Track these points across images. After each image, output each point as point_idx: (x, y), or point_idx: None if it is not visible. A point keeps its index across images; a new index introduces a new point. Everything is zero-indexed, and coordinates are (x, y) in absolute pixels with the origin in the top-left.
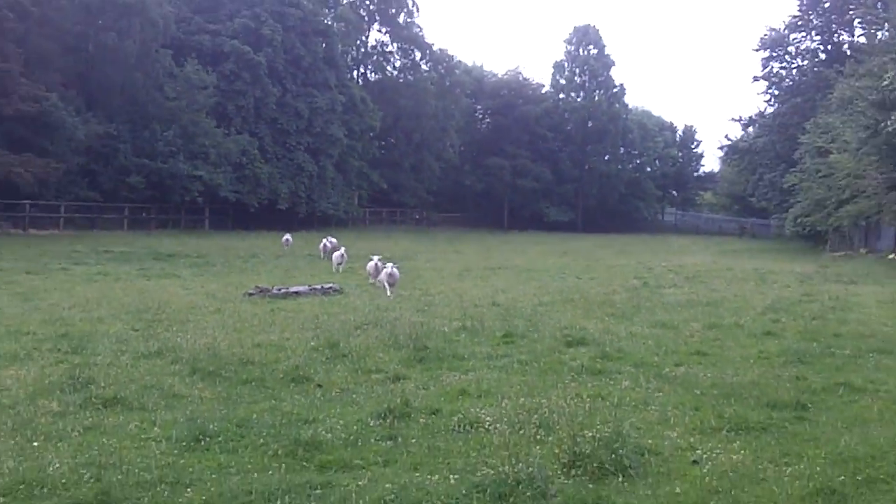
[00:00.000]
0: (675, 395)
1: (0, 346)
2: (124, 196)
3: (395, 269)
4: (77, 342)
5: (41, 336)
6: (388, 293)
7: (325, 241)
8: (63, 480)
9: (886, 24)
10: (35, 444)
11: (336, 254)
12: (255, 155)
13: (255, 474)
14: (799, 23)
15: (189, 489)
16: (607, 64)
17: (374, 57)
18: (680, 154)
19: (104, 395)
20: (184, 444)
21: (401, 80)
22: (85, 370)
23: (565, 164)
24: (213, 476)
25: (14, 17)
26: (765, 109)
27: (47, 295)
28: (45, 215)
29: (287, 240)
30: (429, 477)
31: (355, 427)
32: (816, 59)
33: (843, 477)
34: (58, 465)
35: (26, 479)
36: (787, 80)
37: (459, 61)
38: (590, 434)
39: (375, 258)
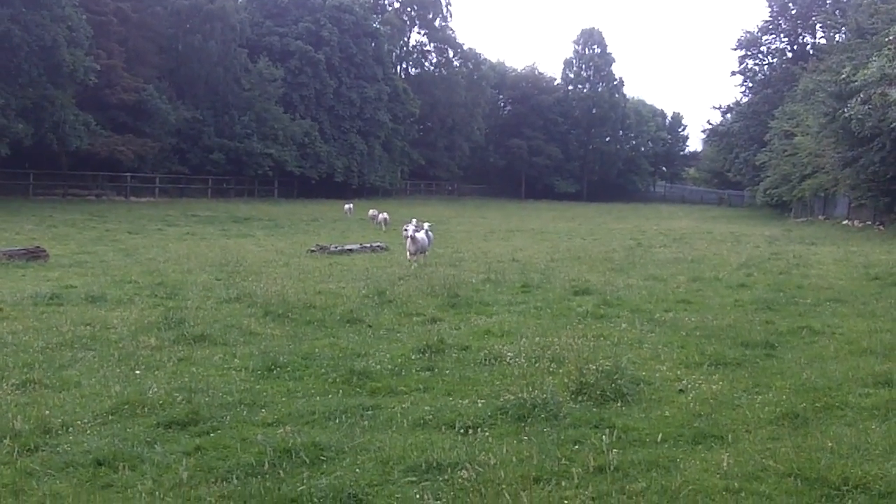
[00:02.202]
0: (664, 336)
1: (108, 292)
2: (208, 170)
3: (418, 234)
4: (171, 289)
5: (141, 284)
6: (410, 257)
7: (372, 211)
8: (160, 402)
9: (843, 28)
10: (137, 372)
11: (381, 216)
12: (315, 136)
13: (318, 398)
14: (770, 26)
15: (263, 410)
16: (609, 61)
17: (414, 55)
18: (669, 136)
19: (193, 333)
20: (259, 372)
21: (436, 75)
22: (177, 312)
23: (573, 144)
24: (283, 399)
25: (117, 21)
26: (740, 99)
27: (146, 251)
28: (143, 186)
29: (349, 208)
30: (460, 401)
31: (399, 360)
32: (784, 57)
33: (804, 404)
34: (156, 390)
35: (130, 400)
36: (760, 74)
37: (485, 58)
38: (594, 367)
39: (411, 227)
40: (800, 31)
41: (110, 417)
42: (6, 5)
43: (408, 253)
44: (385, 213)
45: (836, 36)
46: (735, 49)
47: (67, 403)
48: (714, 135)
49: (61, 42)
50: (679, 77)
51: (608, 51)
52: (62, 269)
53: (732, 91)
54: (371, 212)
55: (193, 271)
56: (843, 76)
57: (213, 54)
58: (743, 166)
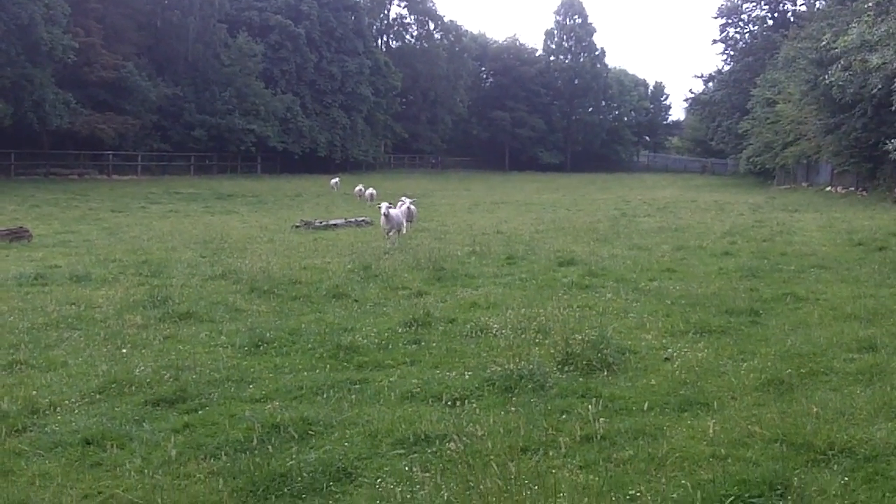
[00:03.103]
0: (649, 305)
1: (92, 271)
2: (190, 147)
3: (392, 210)
4: (155, 267)
5: (125, 263)
6: (403, 230)
7: (359, 187)
8: (147, 380)
9: None
10: (123, 350)
11: (368, 191)
12: (297, 111)
13: (305, 373)
14: None
15: (251, 385)
16: (590, 31)
17: (395, 28)
18: (651, 106)
19: (179, 311)
20: (245, 349)
21: (417, 47)
22: (162, 290)
23: (556, 115)
24: (270, 375)
25: None
26: (722, 67)
27: (129, 229)
28: (125, 163)
29: (336, 182)
30: (447, 373)
31: (386, 334)
32: (765, 25)
33: (789, 370)
34: (142, 368)
35: (117, 379)
36: (741, 42)
37: (466, 30)
38: (579, 337)
39: (384, 205)
40: None
41: (98, 396)
42: None
43: (383, 231)
44: (371, 189)
45: (817, 3)
46: (716, 17)
47: (54, 383)
48: (696, 104)
49: (38, 20)
50: (660, 46)
51: (589, 21)
52: (46, 248)
53: (714, 59)
54: (357, 188)
55: (178, 249)
56: (824, 43)
57: (192, 30)
58: (726, 135)
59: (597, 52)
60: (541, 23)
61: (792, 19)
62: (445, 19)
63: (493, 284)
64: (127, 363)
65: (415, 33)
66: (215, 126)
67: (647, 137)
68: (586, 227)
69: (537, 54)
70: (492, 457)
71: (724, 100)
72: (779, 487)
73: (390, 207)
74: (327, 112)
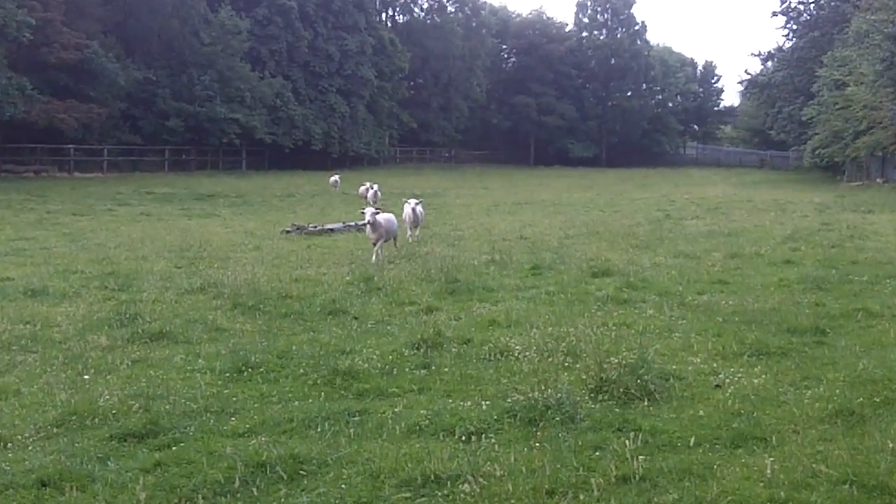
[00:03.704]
0: (697, 323)
1: (50, 284)
2: (164, 139)
3: (379, 217)
4: (123, 280)
5: (89, 274)
6: (373, 247)
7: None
8: (113, 411)
9: None
10: (86, 377)
11: (370, 192)
12: (288, 97)
13: (296, 402)
14: None
15: (233, 417)
16: (629, 2)
17: (402, 0)
18: (700, 89)
19: (150, 330)
20: (227, 374)
21: (428, 22)
22: (131, 306)
23: (589, 101)
24: (256, 405)
25: None
26: (783, 44)
27: (93, 235)
28: (89, 159)
29: (335, 181)
30: (461, 403)
31: (390, 357)
32: None
33: (861, 399)
34: (108, 397)
35: (78, 410)
36: (805, 14)
37: (485, 2)
38: (615, 360)
39: (369, 211)
40: None
41: (55, 430)
42: None
43: (371, 243)
44: (375, 186)
45: None
46: None
47: (5, 415)
48: (753, 86)
49: None
50: (711, 20)
51: None
52: None
53: (774, 35)
54: (363, 187)
55: (149, 258)
56: None
57: (166, 4)
58: (787, 122)
59: (637, 27)
60: None
61: None
62: None
63: (516, 299)
64: (90, 391)
65: (425, 6)
66: (193, 115)
67: (696, 126)
68: (624, 231)
69: (567, 30)
70: (513, 500)
71: (786, 82)
72: None
73: (377, 213)
74: (323, 98)
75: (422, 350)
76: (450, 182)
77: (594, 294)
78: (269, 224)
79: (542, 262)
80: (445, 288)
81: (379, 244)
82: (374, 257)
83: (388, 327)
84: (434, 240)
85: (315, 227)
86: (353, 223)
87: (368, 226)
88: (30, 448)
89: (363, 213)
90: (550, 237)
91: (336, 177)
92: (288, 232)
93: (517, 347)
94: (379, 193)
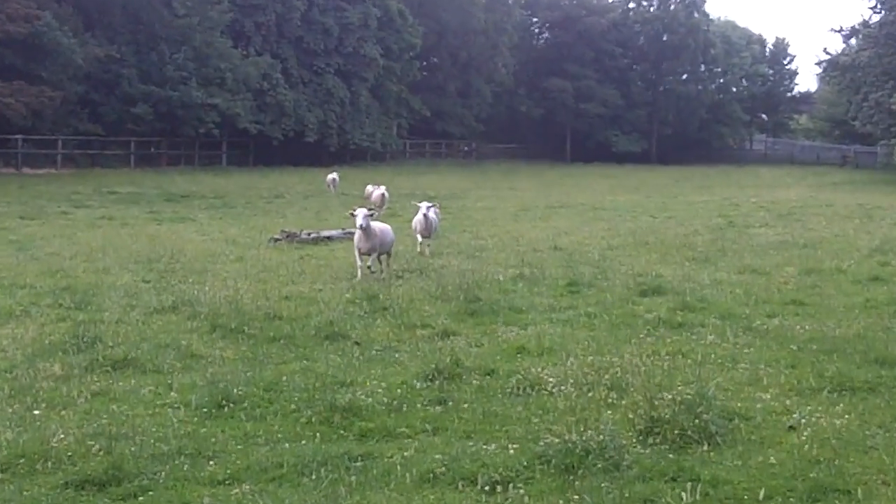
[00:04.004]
0: (767, 351)
1: None
2: (130, 129)
3: (376, 224)
4: (81, 296)
5: (40, 290)
6: (360, 259)
7: (330, 176)
8: (69, 453)
9: None
10: (36, 412)
11: (377, 193)
12: (277, 80)
13: (286, 444)
14: None
15: (211, 462)
16: None
17: None
18: (770, 71)
19: (113, 357)
20: (204, 410)
21: None
22: (90, 328)
23: (636, 85)
24: (239, 447)
25: None
26: (869, 17)
27: (45, 243)
28: (40, 152)
29: (333, 179)
30: (484, 446)
31: (399, 390)
32: None
33: None
34: (62, 437)
35: (27, 452)
36: None
37: None
38: (669, 396)
39: (361, 214)
40: None
41: (0, 476)
42: None
43: (356, 252)
44: (383, 187)
45: None
46: None
47: None
48: (833, 68)
49: None
50: None
51: None
52: None
53: (858, 7)
54: (368, 188)
55: (112, 270)
56: None
57: None
58: (874, 112)
59: None
60: None
61: None
62: None
63: (549, 322)
64: (41, 430)
65: None
66: (164, 100)
67: (765, 116)
68: (679, 241)
69: (611, 0)
70: None
71: (873, 63)
72: None
73: (369, 216)
74: (319, 81)
75: (436, 382)
76: (470, 181)
77: (643, 316)
78: (254, 231)
79: (581, 277)
80: (465, 308)
81: (372, 258)
82: (359, 272)
83: (397, 355)
84: (451, 251)
85: (309, 234)
86: (353, 230)
87: (360, 231)
88: None
89: (353, 214)
90: (590, 248)
91: (334, 175)
92: (277, 240)
93: (551, 380)
94: (387, 195)
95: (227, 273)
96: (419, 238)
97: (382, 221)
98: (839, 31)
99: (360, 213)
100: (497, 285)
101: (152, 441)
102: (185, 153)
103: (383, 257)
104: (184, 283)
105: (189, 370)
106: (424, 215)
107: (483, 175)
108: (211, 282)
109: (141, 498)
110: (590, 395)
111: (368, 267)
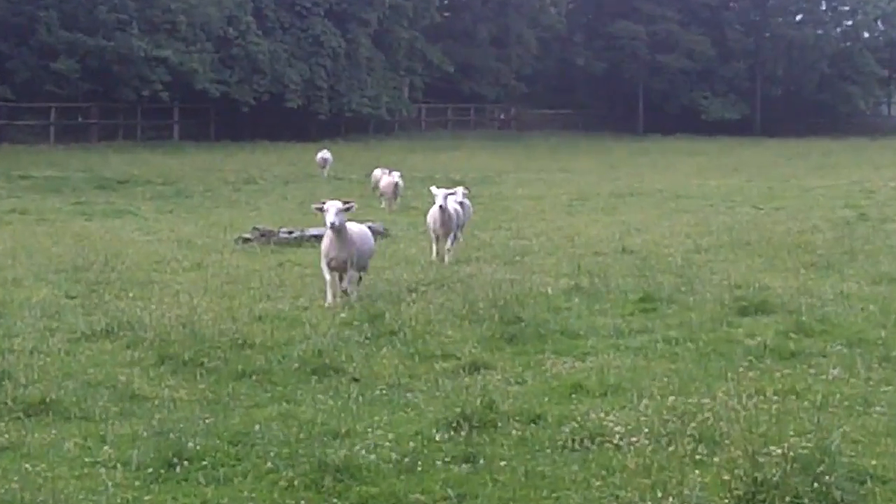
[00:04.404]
0: None
1: None
2: (49, 92)
3: (353, 227)
4: None
5: None
6: (328, 272)
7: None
8: None
9: None
10: None
11: (388, 180)
12: (248, 24)
13: None
14: None
15: None
16: None
17: None
18: None
19: (27, 398)
20: (150, 471)
21: None
22: None
23: (734, 29)
24: None
25: None
26: None
27: None
28: None
29: (324, 158)
30: None
31: (412, 443)
32: None
33: None
34: None
35: None
36: None
37: None
38: (778, 451)
39: (333, 209)
40: None
41: None
42: None
43: (324, 264)
44: (397, 174)
45: None
46: None
47: None
48: None
49: None
50: None
51: None
52: None
53: None
54: (376, 172)
55: (24, 282)
56: None
57: None
58: None
59: None
60: None
61: None
62: None
63: (615, 350)
64: None
65: None
66: (96, 52)
67: None
68: (792, 240)
69: None
70: None
71: None
72: None
73: (344, 209)
74: (304, 26)
75: (463, 432)
76: (508, 160)
77: (743, 343)
78: (216, 228)
79: (658, 290)
80: (501, 332)
81: (349, 276)
82: (328, 295)
83: (409, 395)
84: (483, 254)
85: (291, 233)
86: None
87: (330, 234)
88: None
89: (324, 209)
90: (671, 250)
91: (325, 152)
92: (247, 241)
93: (618, 429)
94: (402, 184)
95: (180, 285)
96: (434, 238)
97: (381, 221)
98: None
99: (332, 206)
100: (545, 301)
101: None
102: (124, 123)
103: (359, 274)
104: (121, 300)
105: (128, 416)
106: (441, 207)
107: (525, 152)
108: (158, 297)
109: None
110: (670, 449)
111: (344, 291)
